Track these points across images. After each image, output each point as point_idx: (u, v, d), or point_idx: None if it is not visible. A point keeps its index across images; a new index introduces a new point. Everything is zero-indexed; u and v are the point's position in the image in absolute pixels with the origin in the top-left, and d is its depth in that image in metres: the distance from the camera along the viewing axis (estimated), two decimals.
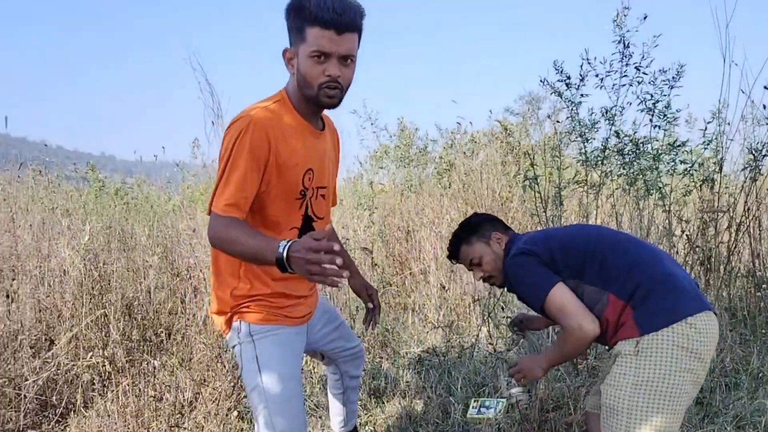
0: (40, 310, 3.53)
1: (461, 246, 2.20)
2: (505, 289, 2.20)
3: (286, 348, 1.78)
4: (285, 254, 1.35)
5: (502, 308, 4.07)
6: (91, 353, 3.20)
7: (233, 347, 1.79)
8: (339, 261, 1.27)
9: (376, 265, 4.63)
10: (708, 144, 3.76)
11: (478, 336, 3.71)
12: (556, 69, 3.68)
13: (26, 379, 2.98)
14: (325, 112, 1.84)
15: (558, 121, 4.82)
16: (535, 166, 3.91)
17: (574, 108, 3.76)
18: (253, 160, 1.59)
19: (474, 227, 2.20)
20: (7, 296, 3.44)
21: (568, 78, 3.67)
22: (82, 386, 3.05)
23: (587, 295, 1.85)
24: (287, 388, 1.74)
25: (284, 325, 1.79)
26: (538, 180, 3.81)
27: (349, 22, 1.57)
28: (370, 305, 2.18)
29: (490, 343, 3.54)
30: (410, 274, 4.82)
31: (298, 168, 1.69)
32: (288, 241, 1.36)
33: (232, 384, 3.05)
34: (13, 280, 3.65)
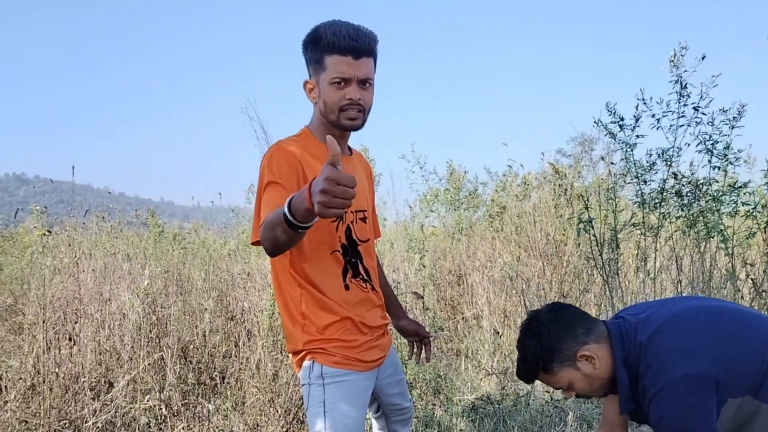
0: (100, 353, 3.62)
1: (537, 376, 1.78)
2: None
3: (354, 398, 1.75)
4: (292, 207, 1.30)
5: None
6: (148, 396, 3.25)
7: (302, 386, 1.78)
8: (353, 185, 1.18)
9: (427, 309, 4.59)
10: None
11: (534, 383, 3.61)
12: (608, 110, 3.64)
13: (86, 421, 3.05)
14: (356, 147, 1.88)
15: (612, 163, 4.74)
16: (589, 209, 3.84)
17: (629, 149, 3.70)
18: (290, 175, 1.62)
19: (550, 348, 1.69)
20: (70, 339, 3.55)
21: (622, 119, 3.63)
22: (138, 429, 3.10)
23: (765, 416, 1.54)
24: None
25: (356, 370, 1.76)
26: (593, 223, 3.74)
27: (365, 47, 1.66)
28: (429, 338, 2.13)
29: (546, 391, 3.44)
30: (463, 318, 4.76)
31: None
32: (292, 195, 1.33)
33: (284, 429, 3.04)
34: (76, 323, 3.76)
